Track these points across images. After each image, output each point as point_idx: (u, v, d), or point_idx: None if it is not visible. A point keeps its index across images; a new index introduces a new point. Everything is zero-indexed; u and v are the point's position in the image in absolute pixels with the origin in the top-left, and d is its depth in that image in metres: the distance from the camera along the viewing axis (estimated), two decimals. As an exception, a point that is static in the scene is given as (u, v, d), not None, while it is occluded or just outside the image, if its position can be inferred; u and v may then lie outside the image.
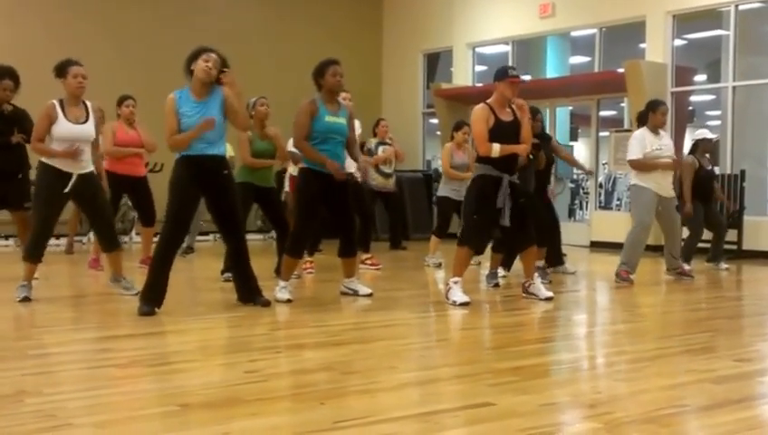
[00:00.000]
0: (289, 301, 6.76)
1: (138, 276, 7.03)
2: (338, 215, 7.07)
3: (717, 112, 15.39)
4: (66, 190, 6.68)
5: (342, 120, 6.93)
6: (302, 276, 8.53)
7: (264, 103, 8.21)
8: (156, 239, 6.62)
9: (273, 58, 15.72)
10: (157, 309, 6.14)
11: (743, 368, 4.71)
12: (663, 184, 8.61)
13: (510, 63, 15.65)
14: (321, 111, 6.80)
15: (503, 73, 7.05)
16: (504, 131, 6.90)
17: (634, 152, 8.61)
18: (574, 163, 10.97)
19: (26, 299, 6.66)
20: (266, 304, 6.54)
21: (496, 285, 8.04)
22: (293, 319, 6.34)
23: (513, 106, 7.05)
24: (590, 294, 8.51)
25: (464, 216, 7.20)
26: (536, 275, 7.29)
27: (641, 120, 8.82)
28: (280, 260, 8.07)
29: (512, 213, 6.85)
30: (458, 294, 6.81)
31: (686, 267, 9.07)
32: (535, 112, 8.42)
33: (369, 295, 7.20)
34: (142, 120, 9.23)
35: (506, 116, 6.98)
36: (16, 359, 4.72)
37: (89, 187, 6.80)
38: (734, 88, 12.84)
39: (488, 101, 7.06)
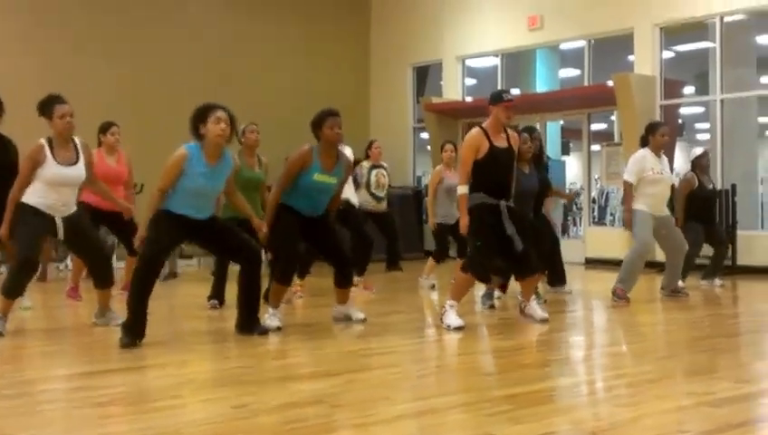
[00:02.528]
0: (279, 328, 6.59)
1: (120, 304, 6.79)
2: (325, 250, 6.96)
3: (707, 125, 15.34)
4: (59, 237, 6.48)
5: (332, 181, 6.77)
6: (291, 301, 8.35)
7: (255, 130, 8.02)
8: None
9: (262, 74, 15.62)
10: (138, 341, 5.92)
11: (743, 389, 4.63)
12: (658, 207, 8.48)
13: (500, 76, 15.64)
14: (313, 166, 6.64)
15: (497, 97, 6.88)
16: (497, 159, 6.78)
17: (628, 174, 8.50)
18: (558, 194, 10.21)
19: None
20: (264, 332, 6.36)
21: (492, 306, 7.89)
22: (283, 348, 6.17)
23: (509, 132, 6.97)
24: (587, 315, 8.38)
25: (468, 244, 6.95)
26: (532, 296, 7.16)
27: (643, 143, 8.66)
28: (271, 285, 7.91)
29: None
30: (453, 318, 6.66)
31: (681, 284, 8.96)
32: (531, 131, 8.26)
33: (363, 321, 7.04)
34: (126, 145, 8.97)
35: (501, 142, 6.84)
36: (-10, 399, 4.50)
37: (76, 227, 6.52)
38: (722, 101, 12.77)
39: (484, 124, 6.89)
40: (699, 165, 10.05)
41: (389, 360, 5.68)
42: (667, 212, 8.66)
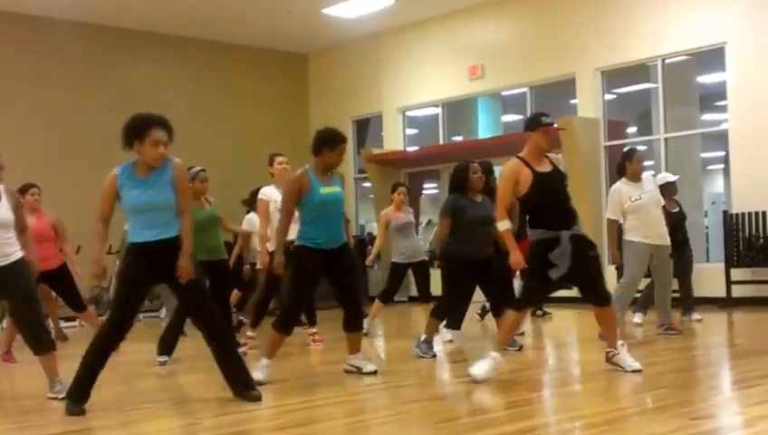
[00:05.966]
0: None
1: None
2: (341, 286, 6.57)
3: (651, 163, 15.60)
4: None
5: (338, 189, 6.61)
6: (246, 354, 8.18)
7: (205, 178, 8.04)
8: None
9: (206, 133, 15.84)
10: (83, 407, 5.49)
11: (700, 427, 4.60)
12: (653, 232, 8.36)
13: (441, 125, 15.75)
14: (313, 183, 6.47)
15: (535, 122, 6.24)
16: (547, 184, 6.14)
17: (609, 211, 8.52)
18: None
19: None
20: (257, 398, 5.72)
21: (434, 356, 7.61)
22: (241, 402, 5.90)
23: (551, 156, 6.35)
24: (538, 354, 8.33)
25: (524, 279, 6.56)
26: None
27: (620, 171, 8.61)
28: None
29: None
30: (481, 368, 6.21)
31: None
32: (486, 165, 8.22)
33: (374, 373, 6.66)
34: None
35: (545, 167, 6.20)
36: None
37: (10, 278, 5.93)
38: (665, 139, 13.01)
39: (521, 154, 6.23)
40: (667, 192, 9.53)
41: (346, 409, 5.60)
42: (665, 241, 8.48)
